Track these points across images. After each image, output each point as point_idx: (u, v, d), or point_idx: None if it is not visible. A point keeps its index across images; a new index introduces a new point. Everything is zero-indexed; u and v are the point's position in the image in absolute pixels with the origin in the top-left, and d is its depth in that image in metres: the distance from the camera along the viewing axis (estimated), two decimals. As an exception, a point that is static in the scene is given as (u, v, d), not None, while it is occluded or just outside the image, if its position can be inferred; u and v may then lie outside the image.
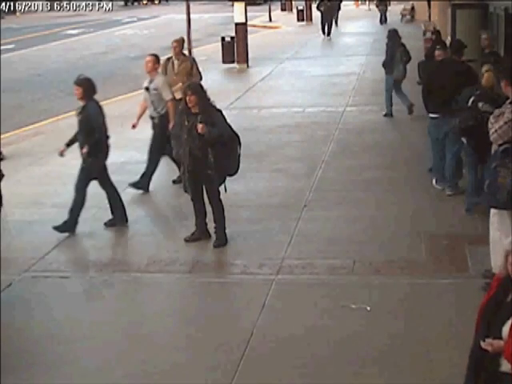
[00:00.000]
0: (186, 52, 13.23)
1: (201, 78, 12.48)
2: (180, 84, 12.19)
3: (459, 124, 8.35)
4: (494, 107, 7.42)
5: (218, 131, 7.96)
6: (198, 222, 8.42)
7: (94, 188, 10.57)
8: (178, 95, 12.22)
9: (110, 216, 9.34)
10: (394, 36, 15.02)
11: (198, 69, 12.61)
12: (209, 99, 8.12)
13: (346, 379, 5.58)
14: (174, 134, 8.43)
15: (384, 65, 14.93)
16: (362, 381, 5.56)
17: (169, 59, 12.42)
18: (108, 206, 9.62)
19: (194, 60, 12.65)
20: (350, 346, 6.02)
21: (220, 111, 8.19)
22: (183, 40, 12.45)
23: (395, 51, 14.59)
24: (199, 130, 7.90)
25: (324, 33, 31.53)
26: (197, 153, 8.01)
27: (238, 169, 8.22)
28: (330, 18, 31.65)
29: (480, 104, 8.19)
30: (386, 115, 14.84)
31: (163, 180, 11.62)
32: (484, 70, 8.69)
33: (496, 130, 6.75)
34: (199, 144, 7.96)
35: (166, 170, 10.95)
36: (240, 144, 8.15)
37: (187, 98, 8.00)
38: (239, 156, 8.18)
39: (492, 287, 4.14)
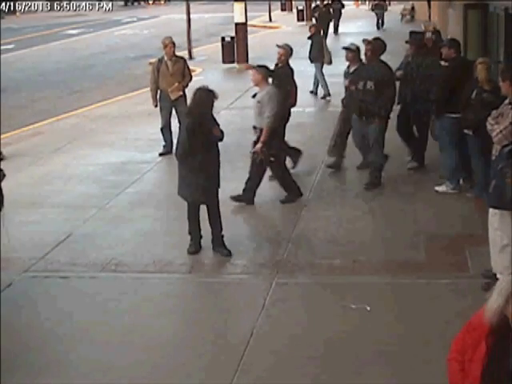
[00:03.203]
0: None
1: (191, 78, 12.51)
2: (176, 84, 12.19)
3: (471, 117, 8.37)
4: (497, 97, 7.45)
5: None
6: (195, 242, 8.11)
7: (94, 188, 10.61)
8: (174, 96, 12.26)
9: (110, 217, 9.38)
10: (316, 32, 18.19)
11: (189, 69, 12.62)
12: None
13: (346, 379, 5.58)
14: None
15: (311, 56, 17.53)
16: (362, 381, 5.56)
17: (160, 60, 12.37)
18: (108, 206, 9.66)
19: (185, 60, 12.64)
20: (350, 346, 6.02)
21: None
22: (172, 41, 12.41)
23: (321, 42, 17.73)
24: (218, 134, 7.95)
25: None
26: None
27: None
28: (326, 25, 29.85)
29: (484, 95, 8.26)
30: (324, 97, 17.21)
31: (164, 181, 11.64)
32: (478, 62, 8.73)
33: (501, 131, 6.73)
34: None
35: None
36: None
37: (214, 102, 7.85)
38: None
39: (478, 340, 3.25)
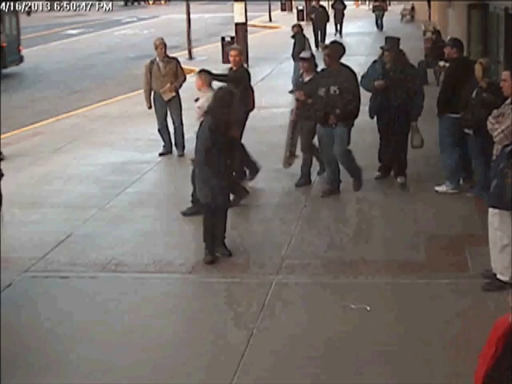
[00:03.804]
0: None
1: (184, 79, 12.50)
2: (168, 85, 12.21)
3: (471, 117, 8.37)
4: (496, 97, 7.45)
5: None
6: (210, 250, 7.91)
7: (94, 188, 10.61)
8: (167, 96, 12.27)
9: (110, 217, 9.38)
10: (299, 31, 18.91)
11: (182, 69, 12.61)
12: None
13: (346, 379, 5.58)
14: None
15: (294, 55, 18.08)
16: (362, 381, 5.56)
17: (152, 62, 12.38)
18: (108, 206, 9.66)
19: (177, 61, 12.63)
20: (350, 346, 6.02)
21: None
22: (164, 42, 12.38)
23: (304, 42, 18.25)
24: (237, 135, 8.24)
25: (317, 45, 27.72)
26: None
27: None
28: (323, 26, 29.37)
29: (485, 94, 8.26)
30: (292, 91, 16.95)
31: (164, 181, 11.64)
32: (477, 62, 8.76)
33: (502, 131, 6.72)
34: None
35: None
36: None
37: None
38: None
39: (491, 343, 3.26)
